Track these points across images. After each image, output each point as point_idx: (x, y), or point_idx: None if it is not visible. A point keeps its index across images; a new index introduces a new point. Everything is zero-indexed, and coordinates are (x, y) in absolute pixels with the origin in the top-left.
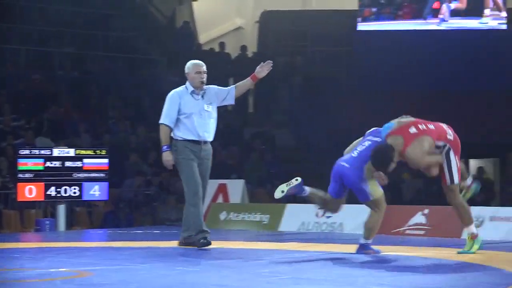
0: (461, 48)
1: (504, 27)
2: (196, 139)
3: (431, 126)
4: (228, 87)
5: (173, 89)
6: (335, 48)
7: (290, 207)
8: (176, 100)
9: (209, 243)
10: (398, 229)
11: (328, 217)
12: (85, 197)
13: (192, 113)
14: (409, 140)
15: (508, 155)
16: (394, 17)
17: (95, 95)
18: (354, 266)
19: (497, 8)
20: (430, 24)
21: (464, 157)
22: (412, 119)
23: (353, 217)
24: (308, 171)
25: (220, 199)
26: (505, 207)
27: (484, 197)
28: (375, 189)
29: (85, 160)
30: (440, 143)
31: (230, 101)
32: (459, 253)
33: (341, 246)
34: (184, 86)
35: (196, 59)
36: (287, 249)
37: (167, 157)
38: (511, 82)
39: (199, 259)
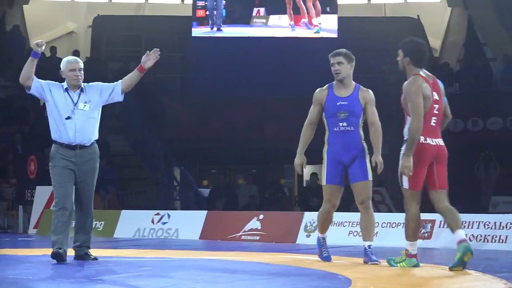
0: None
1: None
2: (67, 142)
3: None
4: (114, 83)
5: (3, 93)
6: (170, 54)
7: (125, 213)
8: (48, 83)
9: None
10: (234, 235)
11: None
12: None
13: (62, 110)
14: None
15: None
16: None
17: None
18: (192, 271)
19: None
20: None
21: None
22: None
23: (187, 223)
24: (142, 177)
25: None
26: (338, 212)
27: (319, 202)
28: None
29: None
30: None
31: (117, 97)
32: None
33: (177, 252)
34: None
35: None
36: (123, 256)
37: None
38: None
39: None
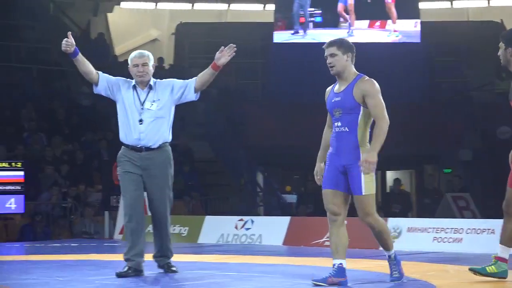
0: (370, 60)
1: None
2: (132, 144)
3: None
4: (188, 80)
5: (88, 101)
6: (251, 61)
7: (209, 219)
8: (117, 79)
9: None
10: (317, 241)
11: None
12: (0, 210)
13: (130, 109)
14: None
15: (424, 167)
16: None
17: (8, 106)
18: (276, 277)
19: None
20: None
21: (382, 168)
22: None
23: (271, 229)
24: (225, 183)
25: None
26: (421, 218)
27: (401, 208)
28: None
29: (0, 173)
30: None
31: (191, 96)
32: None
33: (260, 258)
34: None
35: (111, 71)
36: (207, 261)
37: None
38: (427, 95)
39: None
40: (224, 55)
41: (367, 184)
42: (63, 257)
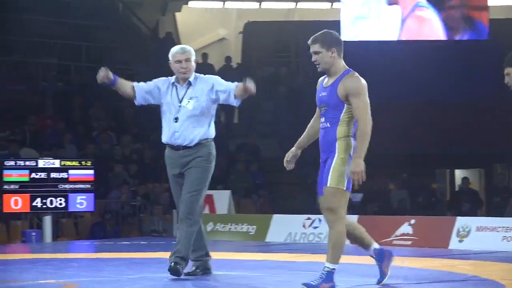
0: (446, 59)
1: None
2: (170, 143)
3: None
4: (230, 85)
5: None
6: None
7: (276, 218)
8: (155, 82)
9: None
10: (385, 240)
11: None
12: (71, 208)
13: (167, 108)
14: None
15: (494, 165)
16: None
17: (78, 106)
18: (343, 275)
19: None
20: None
21: (450, 167)
22: None
23: None
24: (293, 182)
25: (206, 210)
26: (491, 217)
27: (470, 207)
28: None
29: (71, 171)
30: None
31: (232, 102)
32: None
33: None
34: None
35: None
36: (275, 260)
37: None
38: (496, 93)
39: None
40: (246, 91)
41: (335, 178)
42: (133, 255)
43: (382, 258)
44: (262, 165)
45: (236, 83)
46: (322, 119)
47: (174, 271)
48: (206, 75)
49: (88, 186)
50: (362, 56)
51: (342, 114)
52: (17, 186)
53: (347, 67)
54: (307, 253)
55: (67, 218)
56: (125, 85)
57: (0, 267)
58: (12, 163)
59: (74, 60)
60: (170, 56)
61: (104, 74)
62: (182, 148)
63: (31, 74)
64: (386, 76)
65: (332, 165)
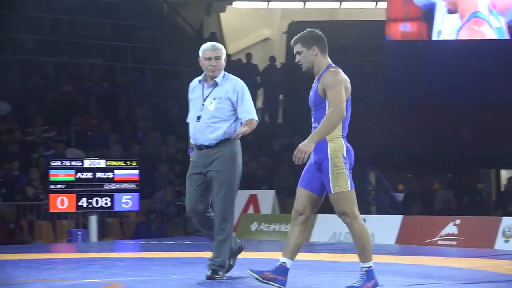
0: (494, 58)
1: None
2: (193, 141)
3: None
4: (244, 111)
5: None
6: (363, 59)
7: (321, 218)
8: (189, 91)
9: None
10: (430, 240)
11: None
12: (116, 208)
13: (193, 106)
14: None
15: None
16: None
17: (124, 106)
18: (387, 275)
19: None
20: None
21: (496, 167)
22: None
23: (383, 227)
24: None
25: (251, 210)
26: None
27: None
28: None
29: (116, 171)
30: None
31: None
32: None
33: (372, 256)
34: None
35: (224, 70)
36: (319, 260)
37: None
38: None
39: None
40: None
41: (336, 181)
42: (178, 255)
43: (368, 280)
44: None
45: (248, 113)
46: (312, 119)
47: (212, 279)
48: (235, 78)
49: (133, 186)
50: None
51: (326, 112)
52: (63, 186)
53: (331, 63)
54: (351, 253)
55: (112, 218)
56: None
57: (47, 266)
58: (58, 163)
59: (119, 61)
60: (200, 52)
61: None
62: (204, 148)
63: (77, 75)
64: (432, 76)
65: (329, 171)
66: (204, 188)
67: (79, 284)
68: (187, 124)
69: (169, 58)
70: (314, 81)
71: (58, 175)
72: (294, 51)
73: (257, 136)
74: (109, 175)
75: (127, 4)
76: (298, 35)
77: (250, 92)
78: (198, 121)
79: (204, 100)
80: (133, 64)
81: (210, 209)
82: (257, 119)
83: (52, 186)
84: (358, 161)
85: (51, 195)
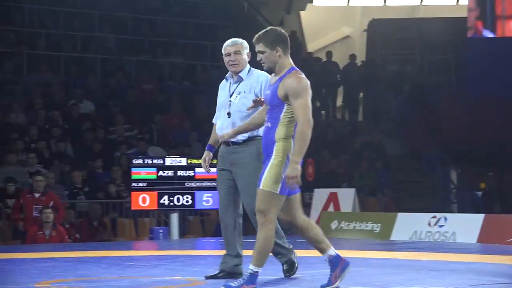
0: None
1: None
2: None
3: None
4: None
5: None
6: (444, 56)
7: (401, 216)
8: (219, 91)
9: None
10: None
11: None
12: (197, 206)
13: (221, 103)
14: None
15: None
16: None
17: (204, 104)
18: (469, 274)
19: None
20: None
21: None
22: None
23: (464, 226)
24: (418, 180)
25: (331, 208)
26: None
27: None
28: None
29: (197, 169)
30: None
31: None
32: None
33: (453, 255)
34: None
35: (304, 68)
36: (399, 258)
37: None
38: None
39: (311, 267)
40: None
41: (268, 180)
42: None
43: (335, 266)
44: (387, 163)
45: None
46: (266, 118)
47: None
48: (260, 71)
49: (214, 183)
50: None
51: (282, 114)
52: (145, 184)
53: (293, 65)
54: (432, 251)
55: (193, 216)
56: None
57: (129, 263)
58: (140, 161)
59: (200, 59)
60: (222, 49)
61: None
62: (231, 144)
63: (158, 74)
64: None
65: (268, 167)
66: (235, 185)
67: (161, 282)
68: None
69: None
70: (272, 80)
71: (140, 173)
72: (256, 49)
73: (337, 134)
74: (190, 173)
75: (207, 3)
76: (261, 33)
77: (331, 89)
78: (229, 117)
79: (230, 97)
80: (213, 63)
81: (241, 214)
82: None
83: (134, 184)
84: (440, 159)
85: (133, 193)
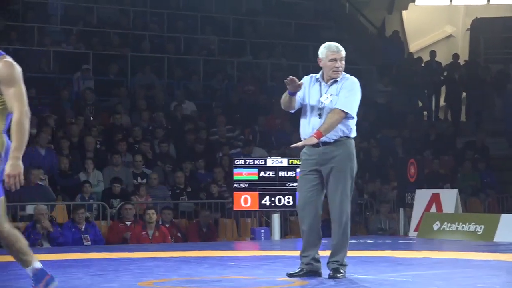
0: None
1: None
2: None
3: None
4: (337, 104)
5: (383, 99)
6: None
7: (505, 217)
8: (303, 87)
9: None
10: None
11: None
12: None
13: (309, 104)
14: None
15: None
16: None
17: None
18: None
19: None
20: None
21: None
22: None
23: None
24: None
25: (433, 209)
26: None
27: None
28: None
29: (299, 170)
30: None
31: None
32: None
33: None
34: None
35: (406, 68)
36: (503, 260)
37: None
38: None
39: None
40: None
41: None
42: (359, 253)
43: (40, 281)
44: (491, 164)
45: (342, 104)
46: None
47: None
48: (350, 78)
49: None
50: None
51: None
52: (246, 185)
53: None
54: None
55: (295, 216)
56: (291, 104)
57: (231, 263)
58: (242, 162)
59: (301, 60)
60: (324, 52)
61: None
62: (321, 145)
63: (260, 75)
64: None
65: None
66: (320, 188)
67: (263, 282)
68: (369, 122)
69: (350, 57)
70: None
71: (242, 174)
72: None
73: (440, 134)
74: (291, 173)
75: (309, 3)
76: None
77: (432, 89)
78: (320, 118)
79: (320, 97)
80: (315, 63)
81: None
82: (349, 112)
83: (236, 185)
84: None
85: (235, 194)
